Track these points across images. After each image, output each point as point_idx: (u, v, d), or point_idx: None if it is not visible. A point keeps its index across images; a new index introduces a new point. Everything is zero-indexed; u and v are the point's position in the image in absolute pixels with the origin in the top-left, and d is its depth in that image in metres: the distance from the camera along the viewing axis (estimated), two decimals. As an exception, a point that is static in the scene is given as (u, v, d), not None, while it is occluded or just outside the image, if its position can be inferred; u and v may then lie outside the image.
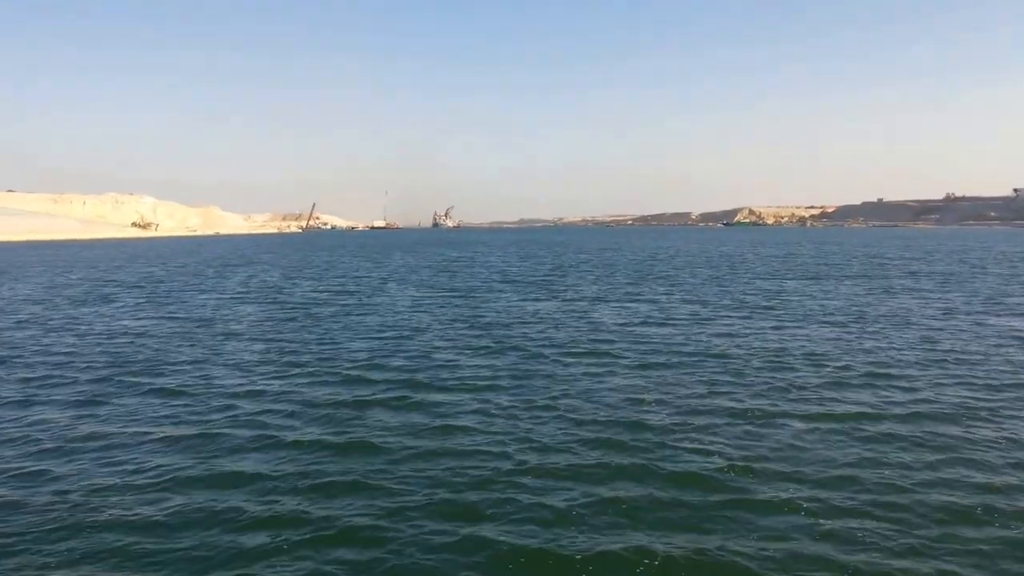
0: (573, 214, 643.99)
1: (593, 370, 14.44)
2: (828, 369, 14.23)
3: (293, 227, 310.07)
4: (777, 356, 15.65)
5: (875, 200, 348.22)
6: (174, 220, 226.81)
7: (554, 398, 12.15)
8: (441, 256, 68.35)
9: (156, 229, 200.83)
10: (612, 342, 17.62)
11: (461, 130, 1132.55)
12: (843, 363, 14.77)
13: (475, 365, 15.06)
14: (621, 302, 26.39)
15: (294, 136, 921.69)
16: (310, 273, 44.37)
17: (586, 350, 16.56)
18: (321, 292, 31.61)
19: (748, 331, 19.21)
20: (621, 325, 20.55)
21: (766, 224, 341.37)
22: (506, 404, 11.82)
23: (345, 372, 14.45)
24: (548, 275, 40.80)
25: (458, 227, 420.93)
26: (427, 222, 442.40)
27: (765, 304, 25.28)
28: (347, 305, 26.38)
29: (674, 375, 13.89)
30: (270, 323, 21.80)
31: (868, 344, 17.03)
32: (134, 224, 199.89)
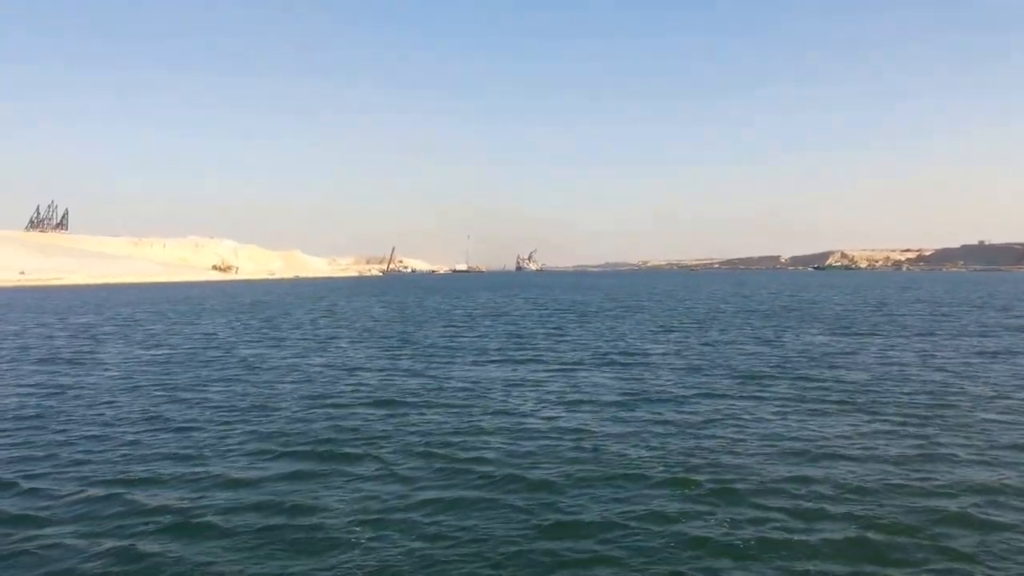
0: (659, 258, 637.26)
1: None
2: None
3: (374, 271, 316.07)
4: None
5: (975, 243, 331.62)
6: (255, 263, 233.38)
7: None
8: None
9: (236, 272, 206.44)
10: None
11: (546, 171, 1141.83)
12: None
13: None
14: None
15: (377, 177, 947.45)
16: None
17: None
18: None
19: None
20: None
21: (859, 268, 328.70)
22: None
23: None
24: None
25: (541, 270, 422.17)
26: (511, 265, 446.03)
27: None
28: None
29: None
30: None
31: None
32: (214, 267, 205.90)
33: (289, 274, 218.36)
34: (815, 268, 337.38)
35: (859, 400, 14.93)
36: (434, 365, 21.08)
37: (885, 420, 13.03)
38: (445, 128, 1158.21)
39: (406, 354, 23.78)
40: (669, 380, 17.69)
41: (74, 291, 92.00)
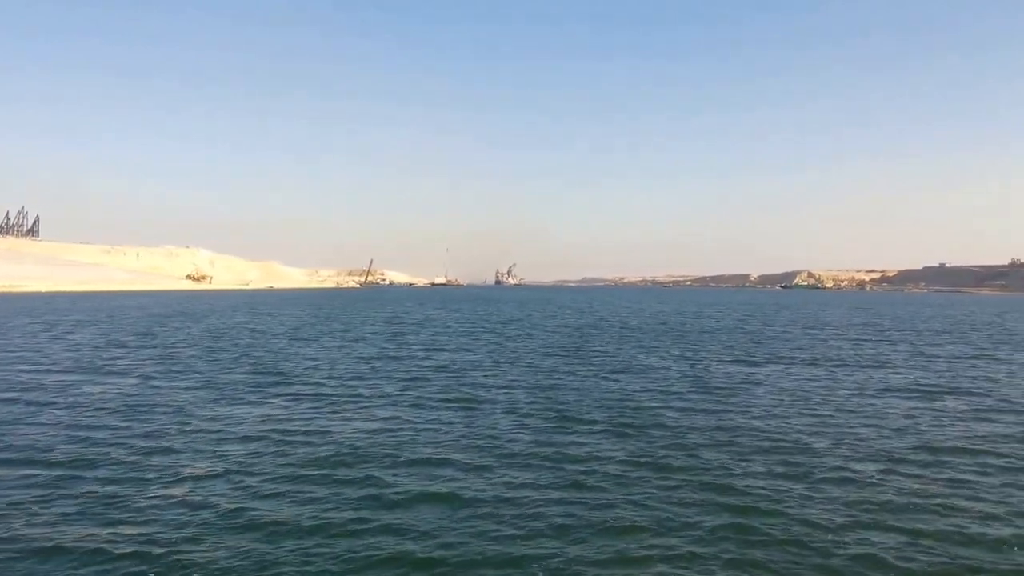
0: (633, 274, 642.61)
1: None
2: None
3: (351, 283, 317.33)
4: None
5: (936, 265, 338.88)
6: (232, 273, 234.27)
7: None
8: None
9: (210, 282, 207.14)
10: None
11: (529, 187, 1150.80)
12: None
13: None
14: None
15: (360, 189, 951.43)
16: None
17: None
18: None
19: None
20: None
21: (825, 288, 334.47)
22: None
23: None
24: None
25: (519, 284, 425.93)
26: (491, 279, 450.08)
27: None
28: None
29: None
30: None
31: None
32: (188, 276, 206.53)
33: (265, 285, 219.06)
34: (783, 287, 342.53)
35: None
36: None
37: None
38: (431, 142, 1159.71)
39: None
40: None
41: (30, 298, 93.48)
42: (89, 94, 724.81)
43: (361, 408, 17.95)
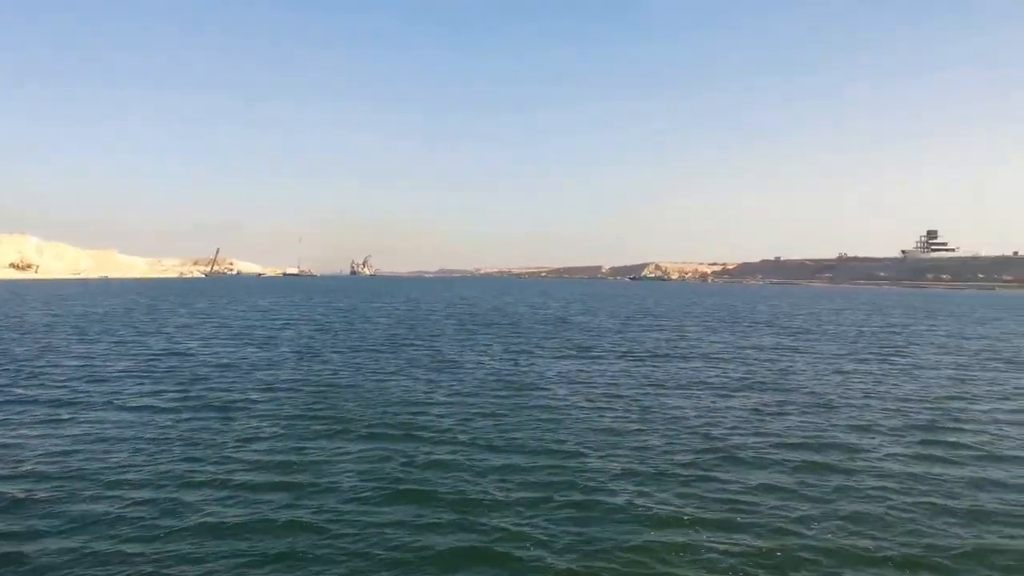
0: (490, 265, 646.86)
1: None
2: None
3: (196, 272, 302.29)
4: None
5: (773, 258, 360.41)
6: (64, 262, 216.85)
7: None
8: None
9: (36, 271, 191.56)
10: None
11: (385, 178, 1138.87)
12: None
13: None
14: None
15: (208, 176, 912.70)
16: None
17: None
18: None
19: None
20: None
21: (671, 279, 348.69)
22: None
23: None
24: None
25: (375, 275, 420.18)
26: (346, 270, 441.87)
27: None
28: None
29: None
30: None
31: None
32: (12, 265, 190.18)
33: (100, 274, 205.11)
34: (632, 279, 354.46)
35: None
36: None
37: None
38: (288, 127, 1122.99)
39: None
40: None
41: None
42: None
43: (91, 412, 15.43)
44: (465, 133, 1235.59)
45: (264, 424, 14.96)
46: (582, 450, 13.16)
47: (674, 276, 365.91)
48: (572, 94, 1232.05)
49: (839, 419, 16.38)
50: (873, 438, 14.57)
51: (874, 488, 11.23)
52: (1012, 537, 9.36)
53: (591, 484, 11.16)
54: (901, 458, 13.02)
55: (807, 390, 20.40)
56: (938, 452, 13.52)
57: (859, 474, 11.97)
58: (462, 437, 14.11)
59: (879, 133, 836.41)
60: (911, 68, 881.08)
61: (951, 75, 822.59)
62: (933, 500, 10.70)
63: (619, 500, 10.47)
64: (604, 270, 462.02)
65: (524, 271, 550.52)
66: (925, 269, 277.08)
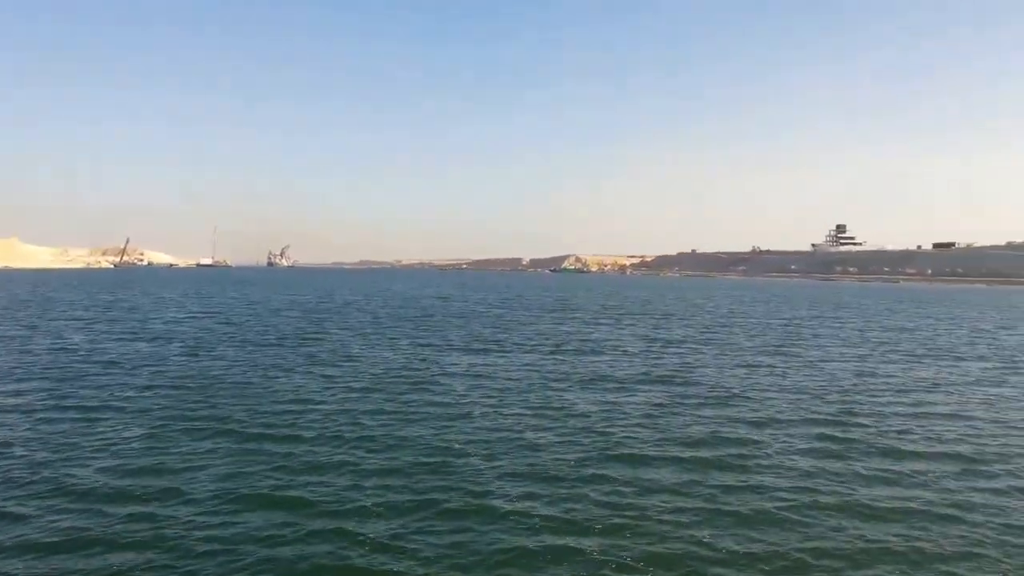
0: (411, 257, 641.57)
1: None
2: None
3: (104, 263, 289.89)
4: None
5: (690, 251, 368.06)
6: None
7: None
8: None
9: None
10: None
11: (306, 168, 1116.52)
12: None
13: None
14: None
15: (120, 159, 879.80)
16: None
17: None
18: None
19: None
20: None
21: (590, 271, 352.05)
22: None
23: None
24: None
25: (293, 266, 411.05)
26: (263, 261, 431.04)
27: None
28: None
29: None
30: None
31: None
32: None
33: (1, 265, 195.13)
34: (551, 271, 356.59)
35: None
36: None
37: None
38: (203, 114, 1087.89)
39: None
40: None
41: None
42: None
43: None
44: (382, 121, 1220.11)
45: (132, 425, 13.88)
46: (471, 451, 12.57)
47: (594, 268, 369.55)
48: (494, 84, 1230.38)
49: (740, 414, 16.27)
50: (772, 433, 14.45)
51: (769, 486, 11.02)
52: (905, 537, 9.19)
53: (476, 488, 10.58)
54: (797, 454, 12.89)
55: (710, 384, 20.34)
56: (835, 447, 13.47)
57: (754, 472, 11.76)
58: (348, 436, 13.38)
59: (794, 128, 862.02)
60: (811, 60, 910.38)
61: (869, 70, 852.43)
62: (826, 498, 10.52)
63: (504, 505, 9.94)
64: (525, 262, 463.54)
65: (445, 263, 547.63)
66: (834, 262, 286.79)
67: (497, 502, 10.01)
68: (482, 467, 11.63)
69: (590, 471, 11.53)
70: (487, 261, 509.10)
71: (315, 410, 15.64)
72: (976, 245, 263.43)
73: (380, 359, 24.15)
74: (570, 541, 8.78)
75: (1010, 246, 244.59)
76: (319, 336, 31.25)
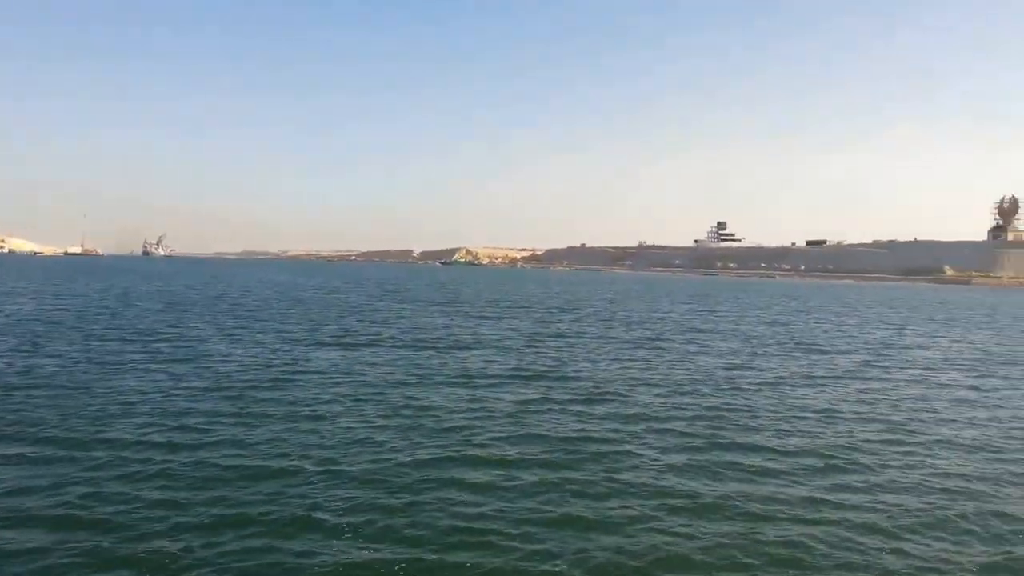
0: (299, 248, 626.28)
1: None
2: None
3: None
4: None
5: (579, 245, 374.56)
6: None
7: None
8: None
9: None
10: None
11: (185, 155, 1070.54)
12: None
13: None
14: None
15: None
16: None
17: None
18: None
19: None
20: None
21: (481, 264, 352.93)
22: None
23: None
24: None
25: (171, 256, 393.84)
26: (139, 250, 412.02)
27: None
28: None
29: None
30: None
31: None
32: None
33: None
34: (442, 263, 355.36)
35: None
36: None
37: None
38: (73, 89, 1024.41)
39: None
40: None
41: None
42: None
43: None
44: (274, 115, 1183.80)
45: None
46: (310, 456, 11.38)
47: (485, 261, 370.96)
48: (389, 77, 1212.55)
49: (610, 410, 15.76)
50: (634, 431, 13.91)
51: (634, 484, 10.45)
52: (753, 537, 8.70)
53: (303, 499, 9.47)
54: (661, 451, 12.35)
55: (582, 379, 19.80)
56: (700, 443, 13.06)
57: (619, 472, 11.12)
58: (158, 440, 11.99)
59: (680, 124, 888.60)
60: (688, 55, 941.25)
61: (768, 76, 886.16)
62: (681, 500, 9.98)
63: (331, 517, 8.88)
64: (415, 254, 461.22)
65: (334, 254, 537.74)
66: (715, 258, 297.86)
67: (323, 515, 8.95)
68: (314, 474, 10.51)
69: (439, 475, 10.61)
70: (377, 253, 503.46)
71: (141, 413, 14.04)
72: (845, 243, 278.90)
73: (237, 355, 22.47)
74: (402, 554, 7.88)
75: (876, 244, 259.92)
76: (176, 330, 29.09)
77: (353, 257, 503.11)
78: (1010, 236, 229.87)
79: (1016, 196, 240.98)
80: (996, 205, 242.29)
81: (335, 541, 8.25)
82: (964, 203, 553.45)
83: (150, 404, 14.89)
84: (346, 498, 9.60)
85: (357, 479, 10.39)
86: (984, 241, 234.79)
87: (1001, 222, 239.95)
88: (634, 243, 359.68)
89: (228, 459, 11.16)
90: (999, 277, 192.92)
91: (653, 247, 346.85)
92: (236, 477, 10.33)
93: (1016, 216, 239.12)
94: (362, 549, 8.05)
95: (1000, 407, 17.65)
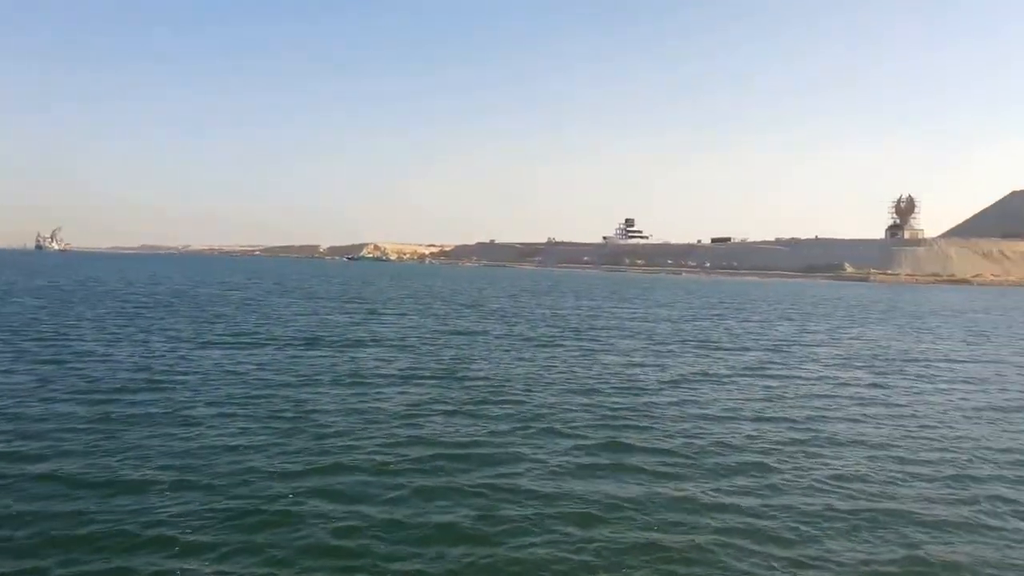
0: (200, 242, 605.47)
1: None
2: None
3: None
4: None
5: (488, 241, 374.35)
6: None
7: None
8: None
9: None
10: None
11: (87, 145, 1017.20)
12: None
13: None
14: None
15: None
16: None
17: None
18: None
19: None
20: None
21: (390, 259, 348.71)
22: None
23: None
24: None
25: (66, 250, 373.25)
26: (31, 244, 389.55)
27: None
28: None
29: None
30: None
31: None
32: None
33: None
34: (349, 258, 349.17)
35: None
36: None
37: None
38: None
39: None
40: None
41: None
42: None
43: None
44: (179, 108, 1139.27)
45: None
46: (168, 467, 10.38)
47: (393, 257, 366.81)
48: (301, 72, 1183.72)
49: (503, 411, 15.19)
50: (528, 431, 13.36)
51: (513, 495, 9.87)
52: (652, 542, 8.21)
53: (148, 517, 8.55)
54: (552, 453, 11.82)
55: (477, 379, 19.18)
56: (596, 445, 12.65)
57: (509, 477, 10.49)
58: (27, 451, 10.71)
59: (586, 122, 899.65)
60: (591, 57, 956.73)
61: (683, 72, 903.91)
62: (574, 505, 9.46)
63: (181, 535, 8.02)
64: (322, 249, 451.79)
65: (238, 249, 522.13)
66: (623, 254, 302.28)
67: (173, 531, 8.04)
68: (171, 485, 9.51)
69: (313, 485, 9.88)
70: (283, 248, 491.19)
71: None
72: (749, 240, 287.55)
73: (112, 356, 20.88)
74: (255, 573, 7.01)
75: (778, 242, 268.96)
76: (55, 328, 26.99)
77: (258, 252, 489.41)
78: (907, 234, 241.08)
79: (912, 196, 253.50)
80: (893, 204, 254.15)
81: (185, 561, 7.33)
82: (863, 202, 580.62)
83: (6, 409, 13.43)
84: (203, 512, 8.70)
85: (219, 491, 9.46)
86: (882, 239, 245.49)
87: (898, 221, 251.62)
88: (544, 239, 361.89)
89: (76, 470, 10.03)
90: (897, 274, 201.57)
91: (563, 243, 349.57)
92: (80, 489, 9.22)
93: (912, 215, 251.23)
94: (214, 571, 7.13)
95: (899, 405, 17.86)
